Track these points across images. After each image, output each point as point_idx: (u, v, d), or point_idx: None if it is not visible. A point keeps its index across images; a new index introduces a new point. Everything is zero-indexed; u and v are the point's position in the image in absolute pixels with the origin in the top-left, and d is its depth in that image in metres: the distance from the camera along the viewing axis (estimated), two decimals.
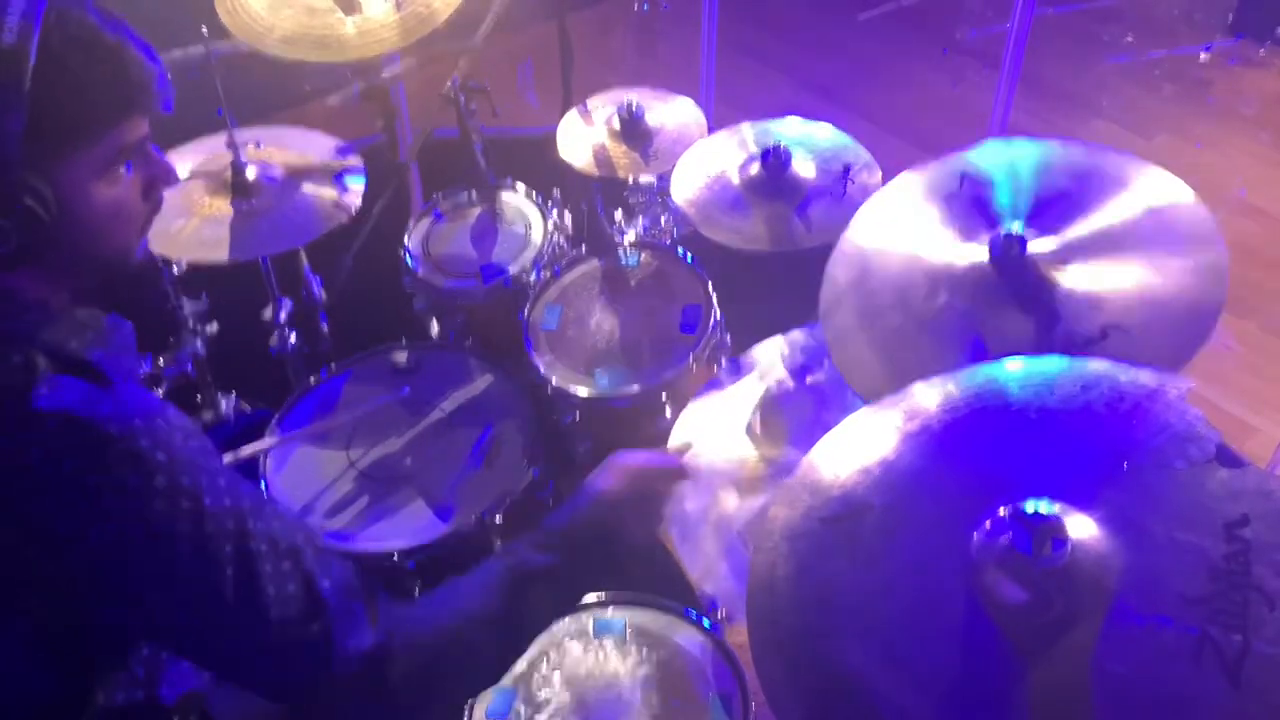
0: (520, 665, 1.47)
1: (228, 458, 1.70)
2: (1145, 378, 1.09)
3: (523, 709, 1.41)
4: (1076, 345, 1.32)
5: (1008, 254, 1.40)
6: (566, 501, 1.38)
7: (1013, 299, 1.40)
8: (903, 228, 1.55)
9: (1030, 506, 0.97)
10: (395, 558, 1.68)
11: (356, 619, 1.10)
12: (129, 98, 1.09)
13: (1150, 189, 1.51)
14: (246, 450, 1.75)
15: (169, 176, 1.19)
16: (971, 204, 1.54)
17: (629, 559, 1.36)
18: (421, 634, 1.15)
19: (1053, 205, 1.47)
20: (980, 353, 1.36)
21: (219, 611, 1.05)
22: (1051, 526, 0.95)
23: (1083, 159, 1.58)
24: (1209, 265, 1.37)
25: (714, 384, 1.81)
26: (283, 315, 2.39)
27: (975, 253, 1.45)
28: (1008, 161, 1.58)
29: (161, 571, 1.03)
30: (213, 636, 1.08)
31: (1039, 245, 1.42)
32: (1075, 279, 1.39)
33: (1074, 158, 1.59)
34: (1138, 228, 1.45)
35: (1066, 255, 1.43)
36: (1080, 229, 1.45)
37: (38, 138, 1.02)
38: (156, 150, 1.17)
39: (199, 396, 2.60)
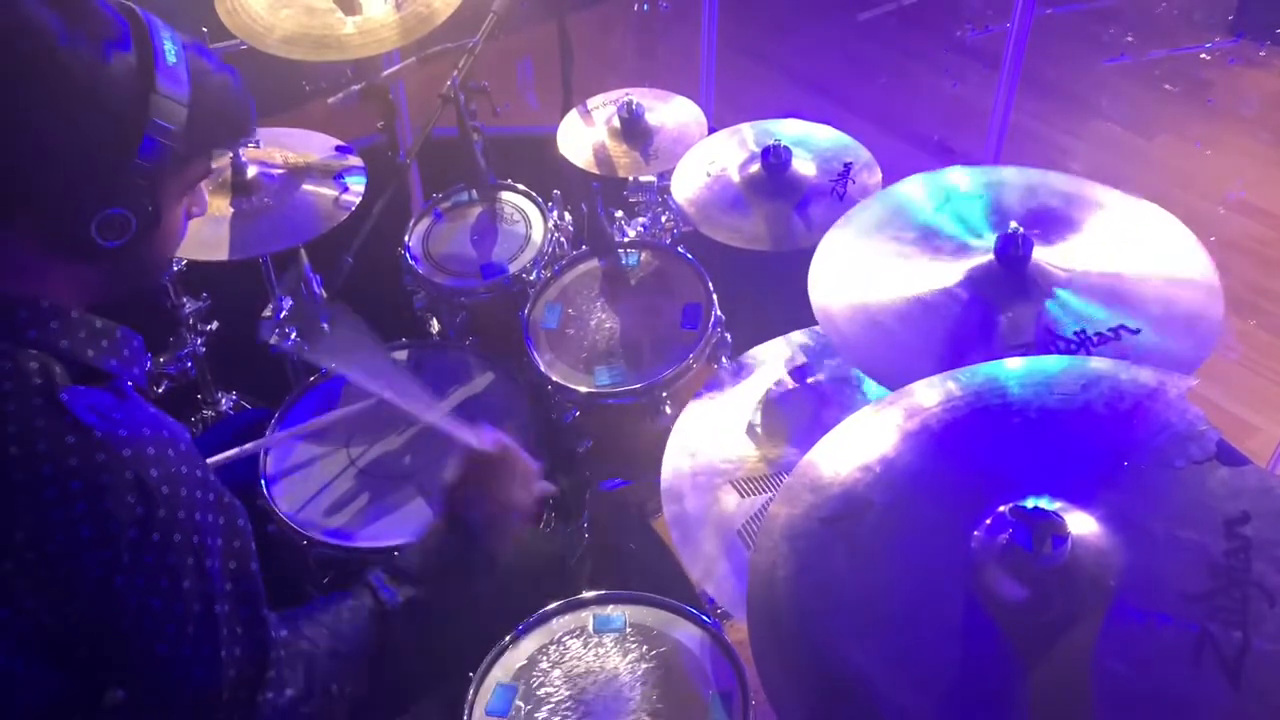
0: (520, 661, 1.47)
1: (227, 453, 1.71)
2: (1145, 376, 1.09)
3: (523, 705, 1.41)
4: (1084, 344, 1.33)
5: (1012, 252, 1.41)
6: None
7: (1016, 298, 1.41)
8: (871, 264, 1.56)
9: (1031, 503, 0.98)
10: (396, 554, 1.68)
11: (291, 665, 1.18)
12: (239, 133, 1.26)
13: (1134, 214, 1.52)
14: (247, 447, 1.76)
15: (203, 205, 1.28)
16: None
17: (494, 559, 1.41)
18: (329, 674, 1.22)
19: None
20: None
21: (170, 638, 1.08)
22: (1052, 523, 0.95)
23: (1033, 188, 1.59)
24: (1201, 284, 1.38)
25: (715, 384, 1.81)
26: (283, 314, 2.39)
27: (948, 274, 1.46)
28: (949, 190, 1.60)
29: (137, 599, 1.05)
30: (158, 664, 1.09)
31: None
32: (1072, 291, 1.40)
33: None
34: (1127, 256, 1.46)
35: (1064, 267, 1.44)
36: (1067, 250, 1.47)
37: (176, 150, 1.10)
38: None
39: (199, 395, 2.60)
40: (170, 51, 1.10)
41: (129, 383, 1.13)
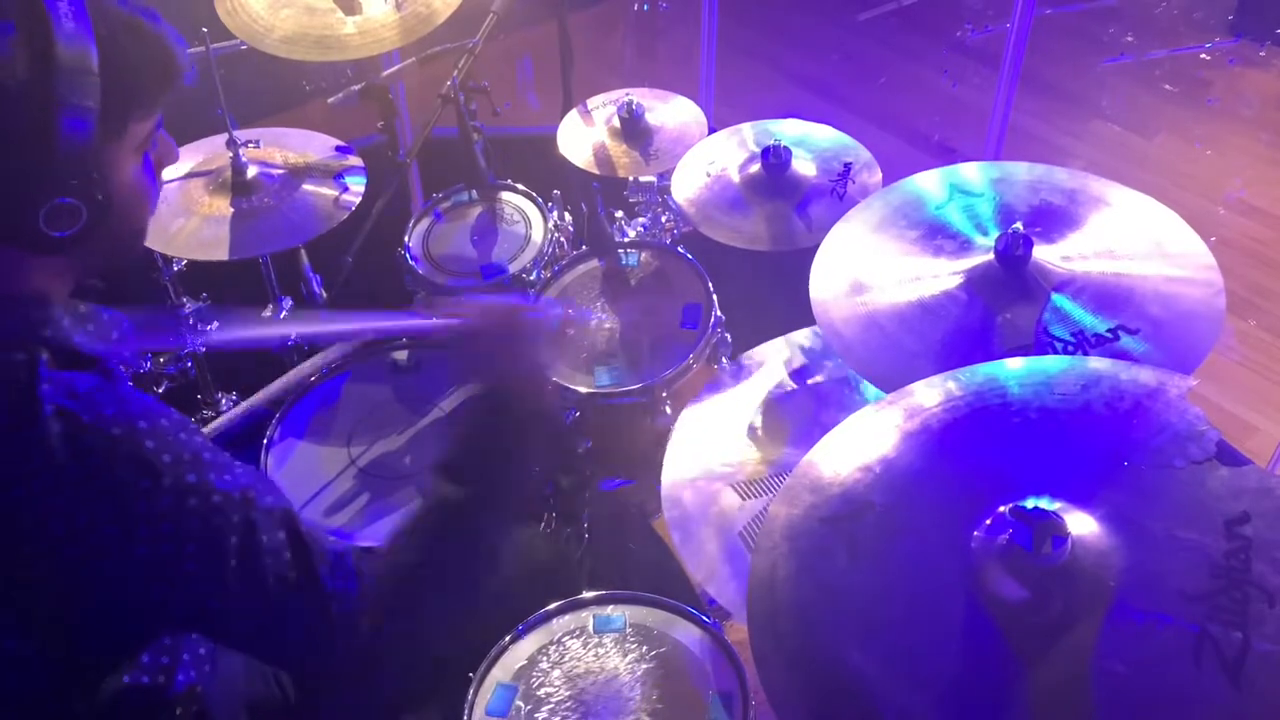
0: (520, 661, 1.47)
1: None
2: (1145, 376, 1.09)
3: (523, 705, 1.42)
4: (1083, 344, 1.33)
5: (1013, 252, 1.41)
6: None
7: (1016, 298, 1.41)
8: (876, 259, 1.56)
9: (1031, 503, 0.98)
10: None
11: (349, 592, 1.12)
12: (170, 77, 1.13)
13: (1137, 212, 1.52)
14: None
15: (172, 154, 1.22)
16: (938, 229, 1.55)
17: (533, 422, 1.32)
18: (391, 577, 1.16)
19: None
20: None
21: (226, 596, 1.06)
22: (1052, 523, 0.95)
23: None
24: (1204, 283, 1.39)
25: (715, 386, 1.81)
26: (283, 314, 2.39)
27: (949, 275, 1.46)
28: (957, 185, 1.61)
29: (167, 568, 1.03)
30: (219, 619, 1.09)
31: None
32: (1074, 288, 1.40)
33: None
34: (1128, 248, 1.46)
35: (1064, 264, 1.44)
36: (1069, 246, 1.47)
37: (104, 119, 1.04)
38: (161, 129, 1.19)
39: (199, 395, 2.60)
40: (66, 16, 1.01)
41: (118, 364, 1.11)
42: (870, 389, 1.71)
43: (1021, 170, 1.60)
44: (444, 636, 1.22)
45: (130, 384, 1.10)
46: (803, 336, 1.85)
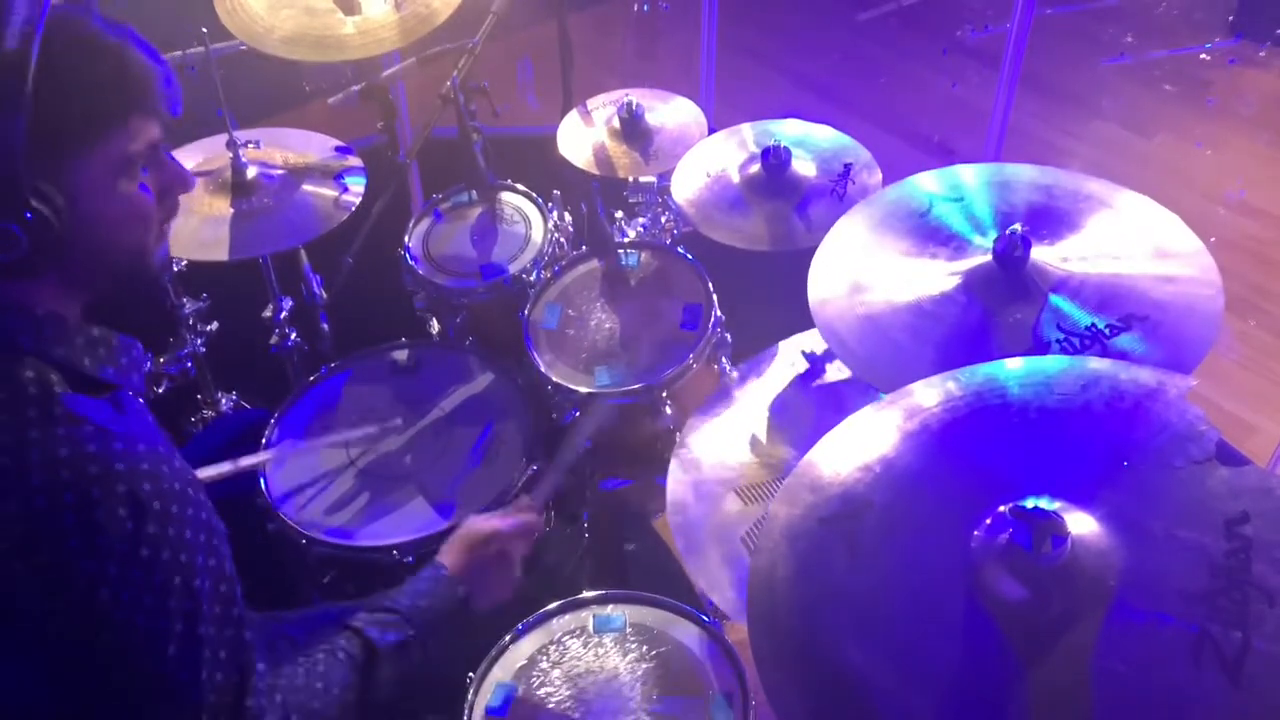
0: (520, 661, 1.47)
1: (225, 467, 1.69)
2: (1145, 376, 1.09)
3: (523, 705, 1.42)
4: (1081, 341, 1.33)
5: (1011, 253, 1.41)
6: (410, 579, 1.43)
7: (1014, 299, 1.41)
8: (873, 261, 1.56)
9: (1031, 503, 0.98)
10: (395, 553, 1.69)
11: (269, 697, 1.16)
12: (132, 97, 1.09)
13: (1136, 212, 1.52)
14: (245, 462, 1.75)
15: (184, 182, 1.19)
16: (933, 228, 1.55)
17: (478, 623, 1.44)
18: (304, 711, 1.20)
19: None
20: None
21: (158, 659, 1.06)
22: (1052, 523, 0.95)
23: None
24: (1201, 283, 1.39)
25: (723, 392, 1.82)
26: (283, 314, 2.39)
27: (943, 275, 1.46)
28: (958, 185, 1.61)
29: (125, 611, 1.03)
30: (140, 680, 1.07)
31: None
32: (1072, 288, 1.40)
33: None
34: (1127, 250, 1.46)
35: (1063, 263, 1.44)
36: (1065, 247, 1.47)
37: (43, 139, 1.01)
38: (170, 156, 1.17)
39: (199, 395, 2.60)
40: (10, 26, 0.98)
41: (129, 391, 1.12)
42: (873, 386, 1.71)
43: (1017, 171, 1.60)
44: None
45: (140, 414, 1.10)
46: (808, 340, 1.85)
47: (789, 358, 1.85)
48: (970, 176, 1.61)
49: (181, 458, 1.10)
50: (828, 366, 1.80)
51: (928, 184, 1.62)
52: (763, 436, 1.73)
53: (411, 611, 1.36)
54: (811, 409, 1.75)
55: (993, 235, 1.46)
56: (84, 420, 1.02)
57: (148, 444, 1.05)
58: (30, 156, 1.00)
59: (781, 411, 1.76)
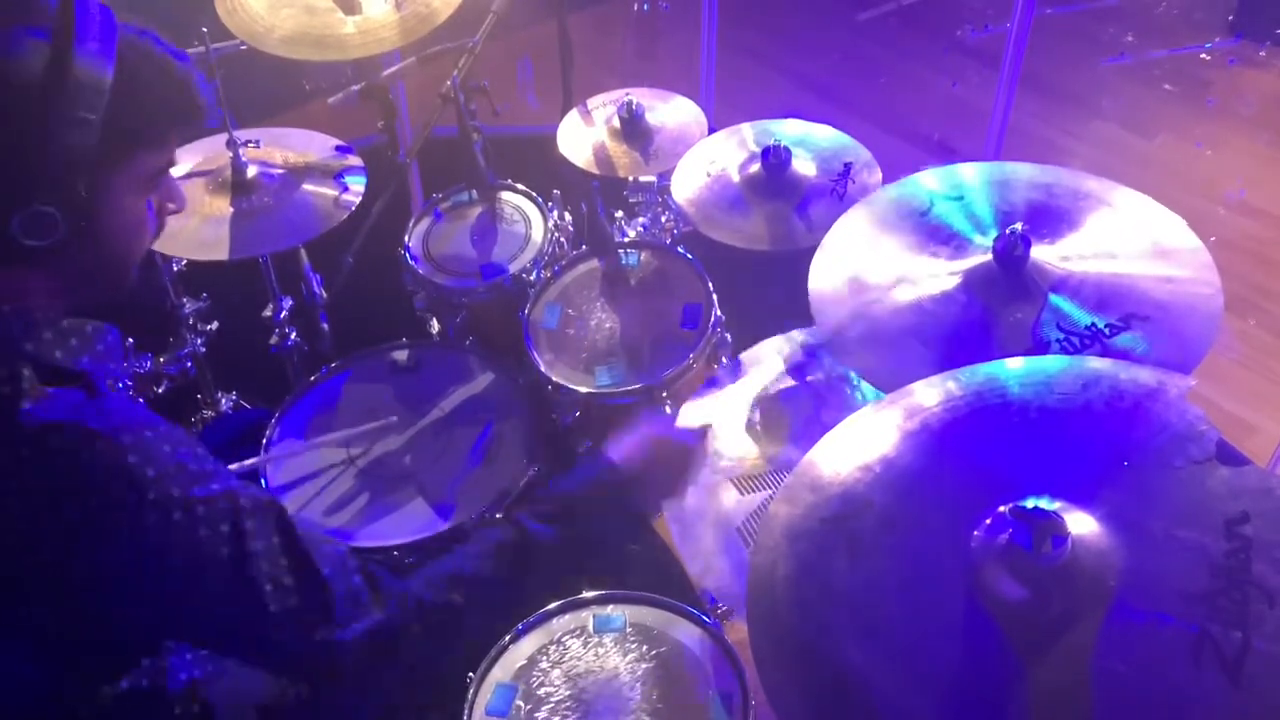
0: (520, 661, 1.47)
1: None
2: (1145, 376, 1.09)
3: (523, 705, 1.41)
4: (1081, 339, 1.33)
5: (1011, 252, 1.41)
6: (581, 463, 1.46)
7: (1014, 298, 1.41)
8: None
9: (1031, 503, 0.98)
10: (395, 553, 1.69)
11: (358, 599, 1.15)
12: (188, 118, 1.17)
13: (1135, 212, 1.52)
14: (247, 464, 1.76)
15: (180, 202, 1.23)
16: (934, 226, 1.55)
17: (626, 532, 1.48)
18: (420, 607, 1.20)
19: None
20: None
21: (219, 610, 1.07)
22: (1052, 523, 0.95)
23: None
24: (1201, 283, 1.39)
25: (714, 382, 1.81)
26: (283, 314, 2.39)
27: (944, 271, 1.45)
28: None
29: (148, 582, 1.04)
30: (215, 632, 1.10)
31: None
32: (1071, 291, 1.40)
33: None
34: (1126, 247, 1.46)
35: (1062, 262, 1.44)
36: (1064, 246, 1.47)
37: (108, 138, 1.06)
38: (169, 175, 1.21)
39: (199, 395, 2.60)
40: (93, 34, 1.05)
41: (104, 379, 1.11)
42: (870, 386, 1.71)
43: (1021, 170, 1.60)
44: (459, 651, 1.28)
45: (116, 395, 1.10)
46: (802, 333, 1.85)
47: (787, 349, 1.85)
48: (970, 175, 1.61)
49: (165, 423, 1.09)
50: (825, 359, 1.80)
51: (928, 182, 1.62)
52: (759, 426, 1.73)
53: (570, 500, 1.39)
54: (808, 400, 1.75)
55: (993, 234, 1.46)
56: (60, 410, 1.02)
57: (123, 417, 1.05)
58: (97, 150, 1.05)
59: (779, 402, 1.76)
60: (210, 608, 1.07)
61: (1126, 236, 1.47)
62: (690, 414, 1.76)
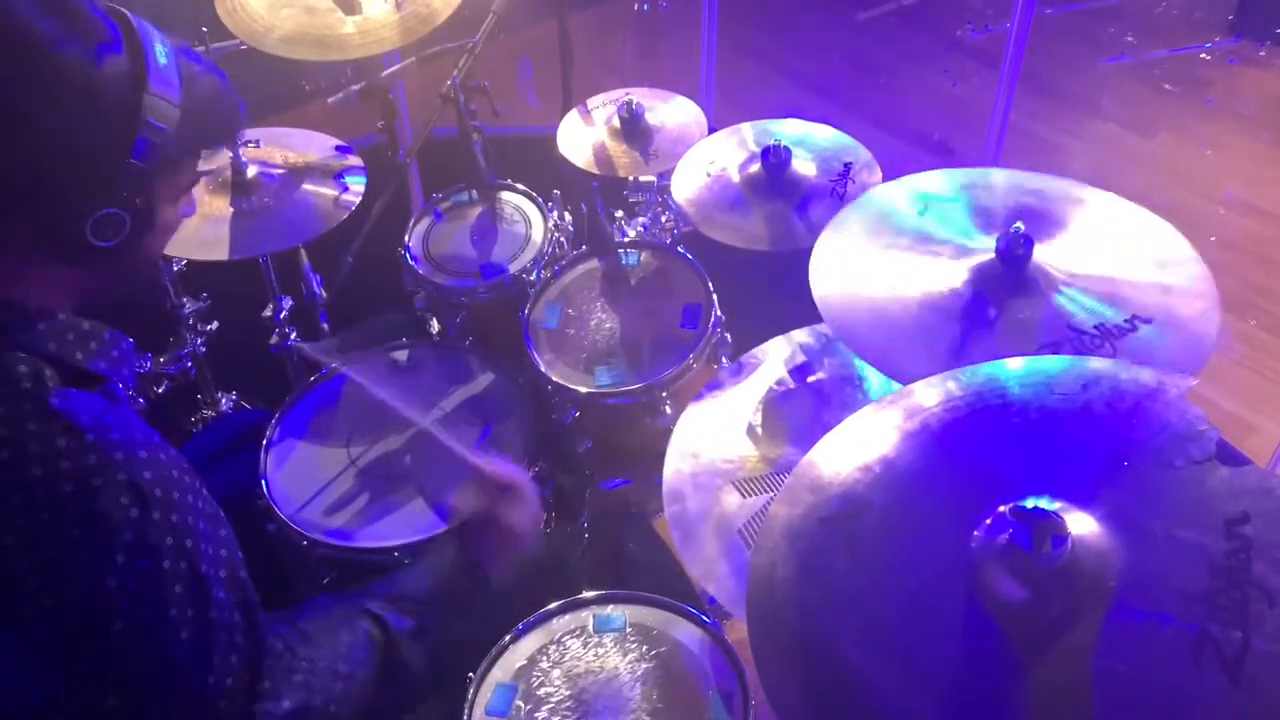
0: (520, 661, 1.47)
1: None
2: (1145, 376, 1.09)
3: (523, 705, 1.42)
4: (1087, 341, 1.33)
5: (1013, 252, 1.41)
6: (415, 565, 1.44)
7: (1015, 298, 1.41)
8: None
9: (1031, 503, 0.98)
10: (396, 553, 1.69)
11: (287, 679, 1.17)
12: (229, 130, 1.28)
13: (1113, 212, 1.52)
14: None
15: (193, 206, 1.29)
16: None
17: (498, 590, 1.43)
18: (328, 694, 1.21)
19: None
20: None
21: (169, 647, 1.07)
22: (1052, 523, 0.95)
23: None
24: (1197, 284, 1.39)
25: (715, 384, 1.81)
26: (283, 314, 2.39)
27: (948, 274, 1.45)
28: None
29: (129, 603, 1.03)
30: (155, 669, 1.08)
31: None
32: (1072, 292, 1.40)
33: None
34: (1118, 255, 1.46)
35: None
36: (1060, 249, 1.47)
37: (169, 150, 1.12)
38: None
39: (199, 395, 2.60)
40: (161, 54, 1.12)
41: (119, 385, 1.13)
42: (872, 385, 1.71)
43: (989, 176, 1.62)
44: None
45: (131, 408, 1.12)
46: (803, 334, 1.85)
47: (787, 351, 1.85)
48: (940, 183, 1.62)
49: (174, 448, 1.11)
50: (825, 360, 1.80)
51: (919, 188, 1.62)
52: (759, 428, 1.73)
53: (427, 593, 1.37)
54: (809, 402, 1.75)
55: (980, 239, 1.46)
56: (79, 413, 1.03)
57: (143, 433, 1.07)
58: (174, 155, 1.14)
59: (779, 404, 1.76)
60: (160, 642, 1.06)
61: (1116, 237, 1.48)
62: (676, 434, 1.74)
